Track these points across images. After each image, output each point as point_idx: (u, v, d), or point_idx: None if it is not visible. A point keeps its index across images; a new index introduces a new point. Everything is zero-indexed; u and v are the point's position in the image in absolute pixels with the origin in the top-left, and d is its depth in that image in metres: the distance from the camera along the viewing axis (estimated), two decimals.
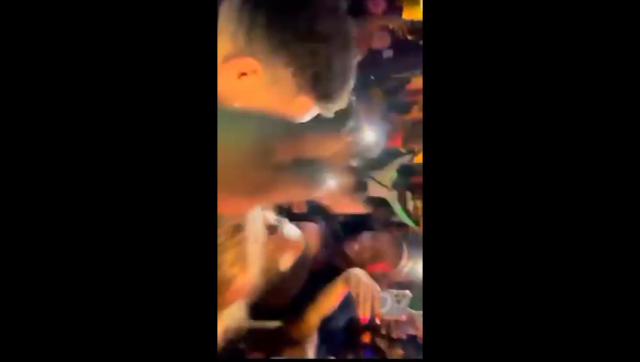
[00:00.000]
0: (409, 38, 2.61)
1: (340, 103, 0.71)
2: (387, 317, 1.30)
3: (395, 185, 2.51)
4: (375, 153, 2.26)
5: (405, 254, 1.87)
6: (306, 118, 0.72)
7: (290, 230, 1.03)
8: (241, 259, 0.65)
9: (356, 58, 0.69)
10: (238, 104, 0.69)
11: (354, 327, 1.53)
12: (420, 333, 1.43)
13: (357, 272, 1.20)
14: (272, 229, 0.99)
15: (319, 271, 1.55)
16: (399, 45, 2.72)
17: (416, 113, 4.57)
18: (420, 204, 4.54)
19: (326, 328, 1.31)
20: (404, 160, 3.14)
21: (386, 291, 1.32)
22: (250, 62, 0.65)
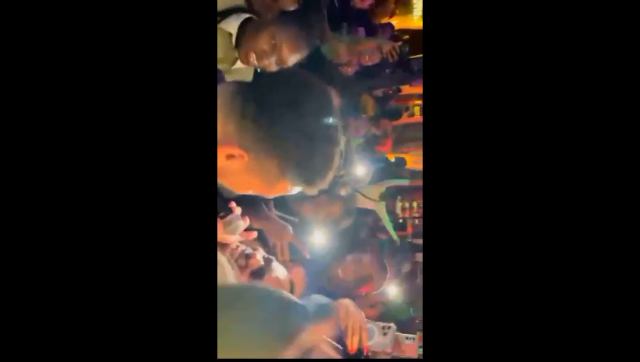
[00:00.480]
0: (396, 58, 2.69)
1: (322, 185, 0.74)
2: (374, 349, 1.35)
3: (382, 196, 2.62)
4: (365, 184, 2.29)
5: (388, 273, 1.91)
6: (290, 193, 0.77)
7: (278, 269, 1.12)
8: None
9: (339, 147, 0.72)
10: (225, 182, 0.75)
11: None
12: (404, 354, 1.50)
13: (346, 302, 1.23)
14: (259, 271, 1.04)
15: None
16: (389, 64, 2.81)
17: (406, 118, 4.70)
18: (407, 204, 4.67)
19: None
20: (398, 182, 3.17)
21: (373, 323, 1.33)
22: (237, 151, 0.70)
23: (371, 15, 3.04)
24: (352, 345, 1.20)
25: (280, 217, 1.45)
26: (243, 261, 1.04)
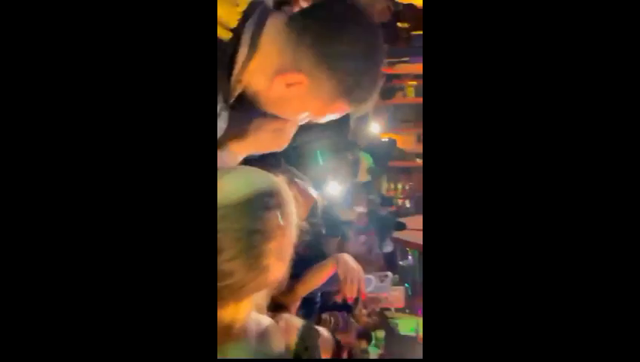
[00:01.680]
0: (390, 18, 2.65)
1: (367, 107, 0.87)
2: (371, 295, 1.41)
3: (370, 170, 2.62)
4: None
5: None
6: (338, 117, 0.87)
7: (305, 184, 1.22)
8: (281, 251, 0.72)
9: (383, 75, 0.86)
10: (280, 112, 0.84)
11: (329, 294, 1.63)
12: (396, 304, 1.56)
13: (345, 256, 1.31)
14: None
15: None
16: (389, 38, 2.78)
17: (400, 98, 4.70)
18: (392, 185, 4.71)
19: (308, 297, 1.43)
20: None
21: (371, 274, 1.43)
22: (297, 76, 0.76)
23: None
24: (351, 293, 1.25)
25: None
26: None
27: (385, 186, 4.37)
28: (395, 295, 1.60)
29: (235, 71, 0.76)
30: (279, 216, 0.71)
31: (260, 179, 0.74)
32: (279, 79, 0.77)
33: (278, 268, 0.73)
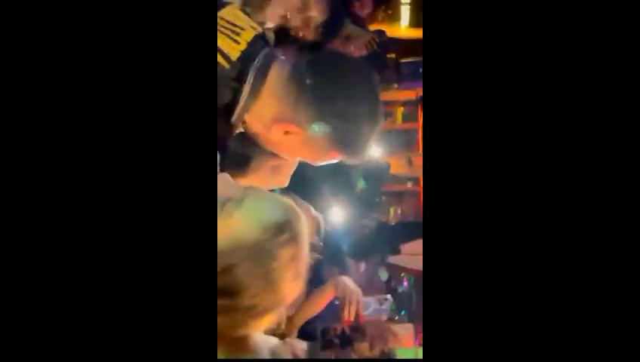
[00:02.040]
0: (376, 49, 2.72)
1: (362, 157, 0.89)
2: (368, 318, 1.40)
3: (363, 192, 2.62)
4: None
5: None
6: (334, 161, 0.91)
7: (306, 204, 1.24)
8: (297, 272, 0.75)
9: (381, 124, 0.86)
10: (280, 152, 0.89)
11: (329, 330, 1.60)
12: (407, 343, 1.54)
13: (344, 279, 1.32)
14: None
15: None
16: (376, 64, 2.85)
17: (389, 125, 4.75)
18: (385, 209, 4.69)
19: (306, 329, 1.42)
20: None
21: (370, 297, 1.42)
22: (294, 128, 0.81)
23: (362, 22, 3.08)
24: (349, 316, 1.28)
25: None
26: None
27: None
28: (405, 334, 1.56)
29: (237, 110, 0.80)
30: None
31: (270, 210, 0.74)
32: (278, 127, 0.82)
33: (294, 289, 0.75)
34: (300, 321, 1.35)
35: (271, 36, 1.31)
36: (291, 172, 0.99)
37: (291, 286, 0.74)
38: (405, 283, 4.01)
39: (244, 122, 0.84)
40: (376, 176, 3.40)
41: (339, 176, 2.14)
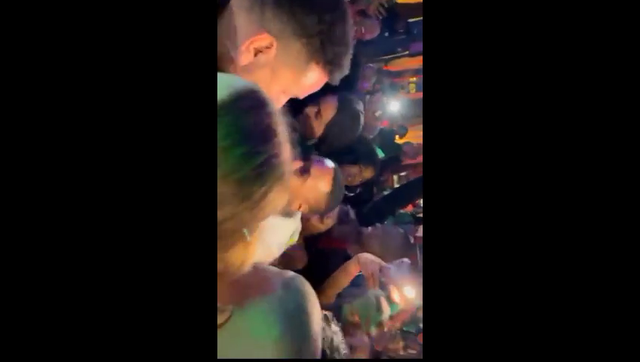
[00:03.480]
0: (384, 14, 2.63)
1: (344, 70, 0.79)
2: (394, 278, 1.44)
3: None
4: None
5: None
6: (316, 89, 0.82)
7: (319, 159, 1.29)
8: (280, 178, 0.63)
9: (352, 26, 0.77)
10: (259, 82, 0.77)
11: None
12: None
13: (365, 255, 1.42)
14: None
15: (331, 251, 1.75)
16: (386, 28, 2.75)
17: (404, 94, 4.65)
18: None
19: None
20: None
21: (390, 263, 1.51)
22: (265, 37, 0.72)
23: None
24: (374, 286, 1.33)
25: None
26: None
27: (396, 183, 4.30)
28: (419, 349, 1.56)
29: None
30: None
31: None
32: (247, 45, 0.72)
33: (280, 197, 0.64)
34: (333, 293, 1.41)
35: None
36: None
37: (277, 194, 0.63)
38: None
39: None
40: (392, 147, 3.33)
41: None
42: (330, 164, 1.30)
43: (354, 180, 2.12)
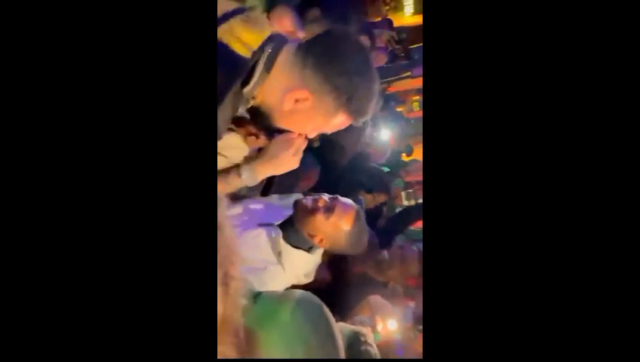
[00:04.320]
0: (396, 47, 2.77)
1: (367, 117, 1.00)
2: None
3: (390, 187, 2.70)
4: None
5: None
6: (343, 127, 1.02)
7: (345, 200, 1.40)
8: None
9: (378, 84, 0.98)
10: (290, 127, 1.00)
11: None
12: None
13: (376, 298, 1.54)
14: (330, 207, 1.35)
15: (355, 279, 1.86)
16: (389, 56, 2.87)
17: (405, 114, 4.76)
18: (413, 201, 4.70)
19: None
20: None
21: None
22: (303, 93, 0.93)
23: (364, 15, 3.10)
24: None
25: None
26: (312, 204, 1.35)
27: (404, 200, 4.37)
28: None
29: (250, 86, 0.91)
30: None
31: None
32: (289, 96, 0.92)
33: None
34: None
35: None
36: (302, 148, 1.06)
37: None
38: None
39: (254, 97, 0.94)
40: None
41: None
42: (353, 204, 1.41)
43: (368, 206, 2.29)
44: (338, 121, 0.98)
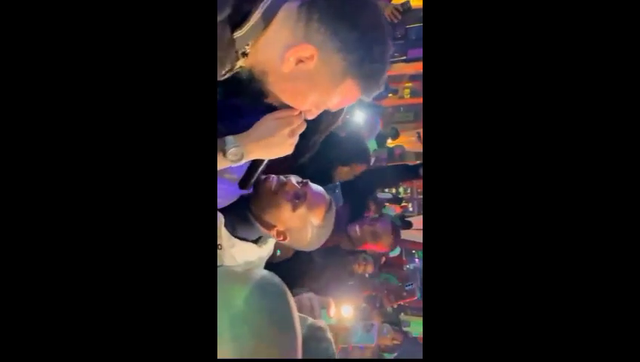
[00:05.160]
0: (400, 18, 2.67)
1: (379, 86, 0.83)
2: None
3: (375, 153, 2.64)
4: None
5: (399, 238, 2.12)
6: (349, 104, 0.86)
7: (316, 187, 1.15)
8: None
9: (390, 48, 0.81)
10: (296, 91, 0.83)
11: None
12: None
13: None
14: (299, 194, 1.09)
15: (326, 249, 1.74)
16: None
17: (395, 100, 4.69)
18: (394, 189, 4.68)
19: None
20: None
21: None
22: (308, 48, 0.76)
23: None
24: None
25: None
26: (277, 187, 1.10)
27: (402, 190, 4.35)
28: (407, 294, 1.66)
29: (242, 30, 0.75)
30: None
31: None
32: (290, 53, 0.76)
33: None
34: None
35: None
36: (299, 132, 0.89)
37: None
38: (417, 260, 3.98)
39: (245, 53, 0.78)
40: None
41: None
42: (326, 195, 1.17)
43: (345, 177, 2.12)
44: (345, 91, 0.81)
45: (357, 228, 1.93)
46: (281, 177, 1.11)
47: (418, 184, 4.29)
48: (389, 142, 3.80)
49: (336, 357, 0.98)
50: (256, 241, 1.12)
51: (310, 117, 0.88)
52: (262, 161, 0.97)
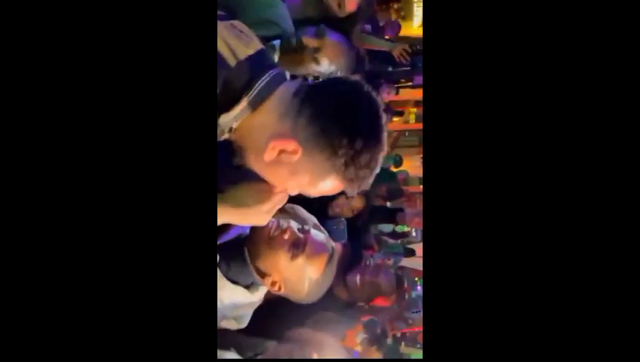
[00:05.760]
0: (409, 60, 2.68)
1: (363, 187, 0.79)
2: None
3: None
4: None
5: (403, 289, 1.97)
6: (331, 194, 0.81)
7: (317, 236, 1.06)
8: None
9: (383, 152, 0.77)
10: (276, 175, 0.78)
11: None
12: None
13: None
14: (298, 243, 1.00)
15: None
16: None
17: (401, 124, 4.70)
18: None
19: None
20: None
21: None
22: (292, 144, 0.73)
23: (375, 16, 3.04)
24: None
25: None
26: (276, 233, 1.00)
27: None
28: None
29: (229, 116, 0.74)
30: None
31: None
32: (274, 144, 0.74)
33: None
34: None
35: (275, 53, 1.23)
36: (275, 209, 0.84)
37: None
38: (419, 288, 3.91)
39: (231, 130, 0.76)
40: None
41: None
42: (329, 244, 1.07)
43: (342, 211, 1.99)
44: (327, 187, 0.77)
45: (357, 278, 1.75)
46: (282, 222, 1.02)
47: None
48: (393, 168, 3.77)
49: None
50: (248, 287, 1.03)
51: (291, 193, 0.84)
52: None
